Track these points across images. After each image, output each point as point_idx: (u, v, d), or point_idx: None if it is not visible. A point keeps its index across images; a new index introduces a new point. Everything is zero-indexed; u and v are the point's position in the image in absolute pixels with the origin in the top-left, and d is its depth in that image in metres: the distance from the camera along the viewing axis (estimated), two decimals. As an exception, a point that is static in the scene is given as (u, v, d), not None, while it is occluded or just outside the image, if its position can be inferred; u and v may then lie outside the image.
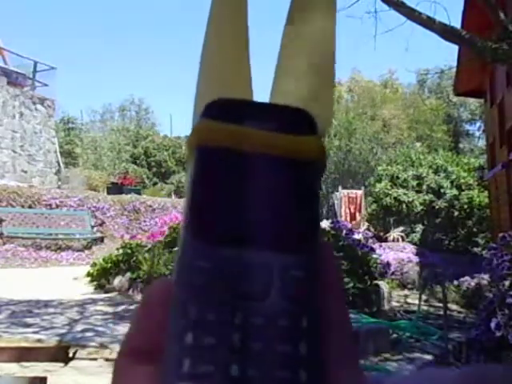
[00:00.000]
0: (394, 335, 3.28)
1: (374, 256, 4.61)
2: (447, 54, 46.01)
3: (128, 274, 5.14)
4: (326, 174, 22.55)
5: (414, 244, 10.17)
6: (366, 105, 22.87)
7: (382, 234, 11.12)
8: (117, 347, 2.79)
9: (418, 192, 12.38)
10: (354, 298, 3.94)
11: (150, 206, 11.70)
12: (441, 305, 4.54)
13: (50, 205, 10.79)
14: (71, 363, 2.45)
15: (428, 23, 4.12)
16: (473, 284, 5.60)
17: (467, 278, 5.84)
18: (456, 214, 11.92)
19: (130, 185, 14.34)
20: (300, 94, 0.24)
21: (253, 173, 0.19)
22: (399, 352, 2.98)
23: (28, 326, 3.28)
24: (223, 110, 0.20)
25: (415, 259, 7.46)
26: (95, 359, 2.58)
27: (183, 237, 0.19)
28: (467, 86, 10.76)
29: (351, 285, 3.96)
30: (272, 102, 0.23)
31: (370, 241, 4.98)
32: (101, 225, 11.02)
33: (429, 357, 2.96)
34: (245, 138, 0.19)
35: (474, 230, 11.72)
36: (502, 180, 8.43)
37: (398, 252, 7.87)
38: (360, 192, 14.16)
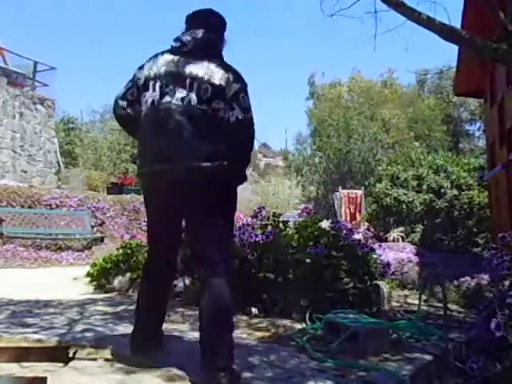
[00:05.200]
0: (394, 335, 3.27)
1: (374, 256, 4.61)
2: (447, 54, 46.04)
3: (128, 274, 5.14)
4: (327, 174, 22.54)
5: (414, 244, 10.17)
6: (365, 103, 22.84)
7: (381, 234, 11.13)
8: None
9: (418, 192, 12.38)
10: (353, 297, 3.93)
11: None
12: (441, 305, 4.54)
13: (50, 205, 10.78)
14: (71, 363, 2.45)
15: (428, 23, 4.12)
16: (473, 284, 5.60)
17: (467, 278, 5.84)
18: (456, 213, 11.91)
19: (130, 185, 14.35)
20: None
21: None
22: (399, 352, 2.98)
23: (28, 326, 3.27)
24: None
25: (415, 259, 7.47)
26: (95, 359, 2.58)
27: None
28: (467, 86, 10.75)
29: (351, 285, 3.95)
30: None
31: (370, 241, 4.97)
32: (101, 225, 11.01)
33: (429, 357, 2.95)
34: None
35: (474, 230, 11.72)
36: (501, 180, 8.42)
37: (398, 252, 7.88)
38: (360, 192, 14.19)
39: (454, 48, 8.33)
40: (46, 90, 16.19)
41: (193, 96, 2.38)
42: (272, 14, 54.69)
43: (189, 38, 2.52)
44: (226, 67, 2.48)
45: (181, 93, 2.40)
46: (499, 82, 8.62)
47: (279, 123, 60.98)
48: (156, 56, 2.57)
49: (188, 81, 2.41)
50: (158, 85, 2.45)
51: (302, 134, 25.42)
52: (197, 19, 2.62)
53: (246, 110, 2.43)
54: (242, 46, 56.39)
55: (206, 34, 2.54)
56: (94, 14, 52.22)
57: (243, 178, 2.53)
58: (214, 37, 2.60)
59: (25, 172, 14.29)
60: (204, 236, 2.42)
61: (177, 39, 2.55)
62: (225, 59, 2.61)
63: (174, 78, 2.44)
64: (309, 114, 25.21)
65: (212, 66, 2.44)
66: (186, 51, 2.50)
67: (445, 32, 4.13)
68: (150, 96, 2.46)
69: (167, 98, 2.41)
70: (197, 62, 2.45)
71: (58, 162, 16.16)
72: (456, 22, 6.48)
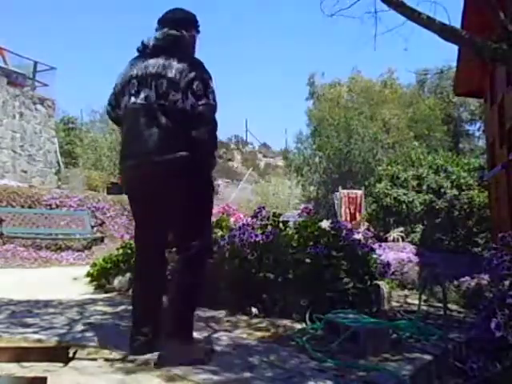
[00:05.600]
0: (394, 335, 3.27)
1: (374, 256, 4.60)
2: (447, 54, 45.99)
3: (128, 274, 5.13)
4: (327, 174, 22.52)
5: (414, 244, 10.15)
6: (365, 103, 22.82)
7: (381, 234, 11.11)
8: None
9: (418, 192, 12.36)
10: (353, 297, 3.93)
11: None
12: (441, 305, 4.54)
13: (50, 205, 10.78)
14: (71, 363, 2.44)
15: (428, 23, 4.12)
16: (473, 284, 5.59)
17: (467, 278, 5.83)
18: (456, 214, 11.90)
19: (130, 185, 14.29)
20: None
21: None
22: (399, 352, 2.98)
23: (28, 326, 3.27)
24: None
25: (415, 259, 7.45)
26: (95, 359, 2.58)
27: None
28: (467, 86, 10.74)
29: (351, 285, 3.95)
30: None
31: (370, 241, 4.97)
32: (101, 225, 11.01)
33: (429, 357, 2.95)
34: None
35: (474, 230, 11.71)
36: (501, 180, 8.42)
37: (398, 252, 7.86)
38: (360, 192, 14.17)
39: (454, 48, 8.33)
40: (46, 89, 16.18)
41: (152, 93, 2.59)
42: (272, 13, 54.74)
43: (150, 39, 2.75)
44: (184, 59, 2.64)
45: (144, 92, 2.61)
46: (499, 82, 8.62)
47: (279, 123, 60.95)
48: (129, 62, 2.81)
49: (149, 80, 2.61)
50: (128, 88, 2.69)
51: (302, 132, 25.35)
52: (163, 19, 2.82)
53: (200, 96, 2.53)
54: (242, 46, 56.39)
55: (168, 32, 2.73)
56: (94, 14, 52.24)
57: (210, 164, 2.66)
58: (177, 33, 2.75)
59: (25, 172, 14.28)
60: (168, 224, 2.71)
61: (141, 42, 2.78)
62: (192, 51, 2.80)
63: (139, 80, 2.66)
64: (309, 114, 25.18)
65: (169, 61, 2.61)
66: (148, 52, 2.73)
67: (445, 32, 4.13)
68: (124, 100, 2.71)
69: (133, 99, 2.65)
70: (156, 60, 2.64)
71: (58, 162, 16.15)
72: (456, 22, 6.47)
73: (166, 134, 2.54)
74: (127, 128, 2.69)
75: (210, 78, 2.64)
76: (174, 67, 2.59)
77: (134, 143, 2.63)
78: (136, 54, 2.85)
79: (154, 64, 2.64)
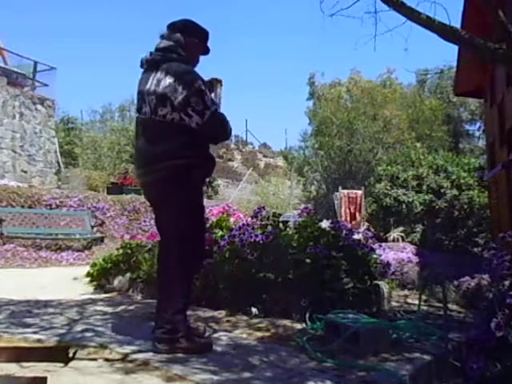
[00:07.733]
0: (394, 335, 3.27)
1: (374, 256, 4.60)
2: (447, 54, 45.94)
3: (128, 274, 5.14)
4: (327, 173, 22.53)
5: (414, 244, 10.16)
6: (366, 104, 22.81)
7: (381, 234, 11.12)
8: (116, 347, 2.78)
9: (417, 192, 12.37)
10: (353, 298, 3.93)
11: (150, 206, 11.68)
12: (441, 305, 4.54)
13: (50, 205, 10.77)
14: (71, 363, 2.44)
15: (428, 23, 4.11)
16: (473, 284, 5.60)
17: (467, 277, 5.84)
18: (456, 214, 11.91)
19: (130, 185, 14.32)
20: None
21: None
22: (399, 352, 2.98)
23: (28, 326, 3.27)
24: None
25: (415, 259, 7.46)
26: (95, 359, 2.58)
27: None
28: (467, 86, 10.74)
29: (351, 285, 3.95)
30: None
31: (370, 241, 4.96)
32: (101, 225, 11.01)
33: (429, 357, 2.95)
34: None
35: (474, 230, 11.71)
36: (501, 180, 8.42)
37: (398, 252, 7.87)
38: (360, 192, 14.14)
39: (454, 48, 8.33)
40: (46, 89, 16.17)
41: (147, 109, 2.81)
42: (273, 13, 54.75)
43: (146, 55, 2.92)
44: (173, 72, 2.76)
45: (144, 108, 2.83)
46: (499, 82, 8.62)
47: (279, 123, 60.94)
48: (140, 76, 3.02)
49: (145, 96, 2.83)
50: (136, 103, 2.97)
51: (307, 131, 25.32)
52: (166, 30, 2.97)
53: (203, 112, 2.72)
54: (242, 45, 56.38)
55: (161, 45, 2.89)
56: (94, 14, 52.17)
57: (203, 171, 2.90)
58: (167, 44, 2.88)
59: (25, 172, 14.27)
60: (158, 225, 3.07)
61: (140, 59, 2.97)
62: (188, 59, 2.89)
63: (141, 95, 2.87)
64: (309, 115, 25.18)
65: (159, 75, 2.78)
66: (145, 67, 2.92)
67: (445, 32, 4.13)
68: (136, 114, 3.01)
69: (138, 114, 2.94)
70: (150, 76, 2.82)
71: (58, 162, 16.14)
72: (456, 22, 6.46)
73: (156, 145, 2.77)
74: (135, 140, 3.04)
75: (193, 83, 2.72)
76: (163, 82, 2.74)
77: (137, 155, 3.02)
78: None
79: (148, 80, 2.84)
